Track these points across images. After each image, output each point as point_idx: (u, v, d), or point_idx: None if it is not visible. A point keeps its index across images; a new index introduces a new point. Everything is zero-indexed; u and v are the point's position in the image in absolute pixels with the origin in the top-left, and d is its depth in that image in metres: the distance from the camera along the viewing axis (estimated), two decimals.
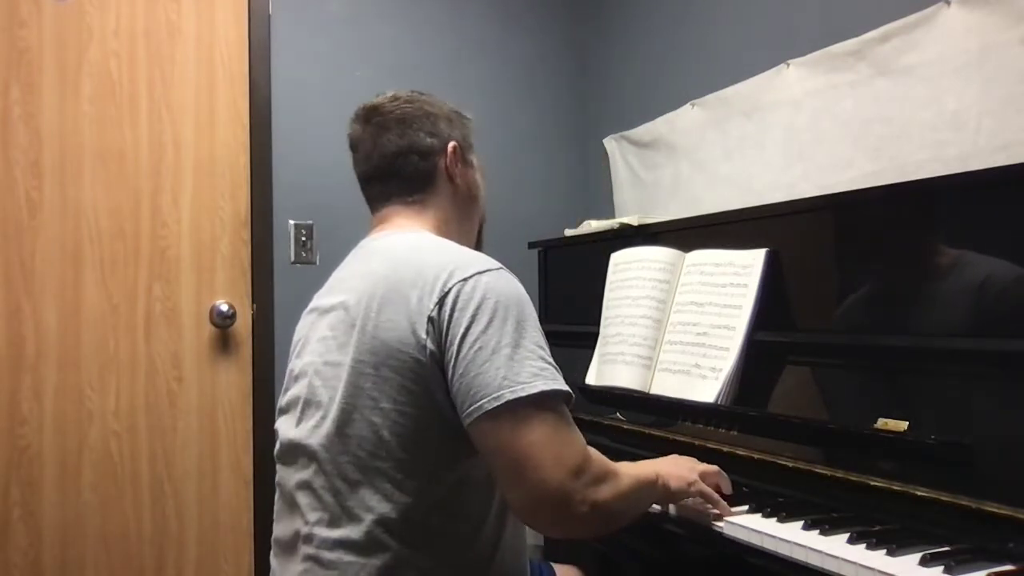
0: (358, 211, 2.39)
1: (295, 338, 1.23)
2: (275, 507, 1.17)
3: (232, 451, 2.27)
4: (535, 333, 1.03)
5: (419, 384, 1.01)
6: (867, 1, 1.71)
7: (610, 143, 2.59)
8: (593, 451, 1.02)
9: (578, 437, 1.01)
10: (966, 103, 1.48)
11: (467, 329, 0.99)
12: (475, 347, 0.99)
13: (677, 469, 1.17)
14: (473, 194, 1.29)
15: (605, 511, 0.99)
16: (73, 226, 2.12)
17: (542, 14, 2.74)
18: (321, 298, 1.20)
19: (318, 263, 2.37)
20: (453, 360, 0.99)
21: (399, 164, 1.21)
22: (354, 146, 1.25)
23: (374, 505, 1.02)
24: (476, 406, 0.97)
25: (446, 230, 1.21)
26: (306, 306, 1.24)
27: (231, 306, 2.25)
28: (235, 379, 2.28)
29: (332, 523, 1.04)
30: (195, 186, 2.24)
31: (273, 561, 1.15)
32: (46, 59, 2.09)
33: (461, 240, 1.21)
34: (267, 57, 2.32)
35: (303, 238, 2.36)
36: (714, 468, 1.21)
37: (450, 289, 1.02)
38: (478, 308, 1.00)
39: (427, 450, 1.03)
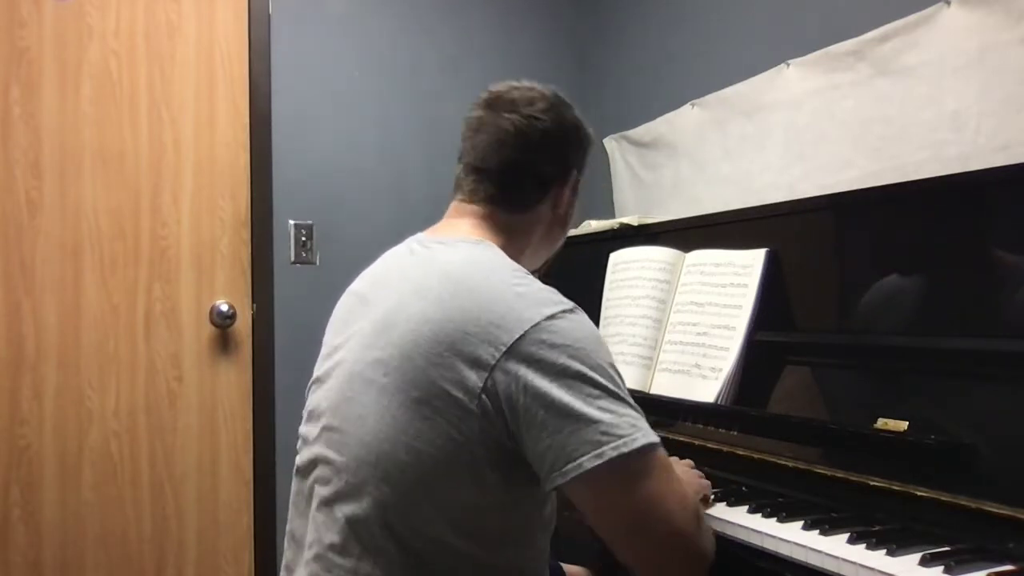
0: (358, 211, 2.43)
1: (333, 317, 1.16)
2: (291, 498, 1.13)
3: (232, 451, 2.27)
4: (620, 378, 0.95)
5: (462, 433, 0.93)
6: (867, 1, 1.71)
7: (610, 143, 2.59)
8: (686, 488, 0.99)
9: (681, 482, 0.97)
10: (966, 103, 1.48)
11: (551, 385, 0.90)
12: (565, 399, 0.90)
13: (689, 478, 1.16)
14: (565, 223, 1.22)
15: (714, 546, 0.99)
16: (73, 226, 2.12)
17: (542, 14, 2.74)
18: (367, 287, 1.13)
19: (318, 263, 2.37)
20: (538, 418, 0.90)
21: (513, 178, 1.12)
22: (475, 128, 1.16)
23: (392, 545, 0.96)
24: (574, 463, 0.89)
25: (515, 249, 1.12)
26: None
27: (231, 306, 2.25)
28: (235, 379, 2.28)
29: (347, 552, 0.98)
30: (195, 186, 2.24)
31: (287, 553, 1.12)
32: (46, 59, 2.09)
33: (528, 261, 1.14)
34: (267, 57, 2.32)
35: (303, 238, 2.36)
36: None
37: (521, 337, 0.92)
38: (563, 360, 0.91)
39: (459, 504, 0.96)
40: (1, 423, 2.03)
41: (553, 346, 0.92)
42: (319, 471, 1.06)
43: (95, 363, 2.13)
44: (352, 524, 0.98)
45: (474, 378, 0.92)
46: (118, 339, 2.15)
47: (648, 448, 0.91)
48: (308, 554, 1.04)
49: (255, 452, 2.28)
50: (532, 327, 0.93)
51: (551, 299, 0.97)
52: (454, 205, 1.18)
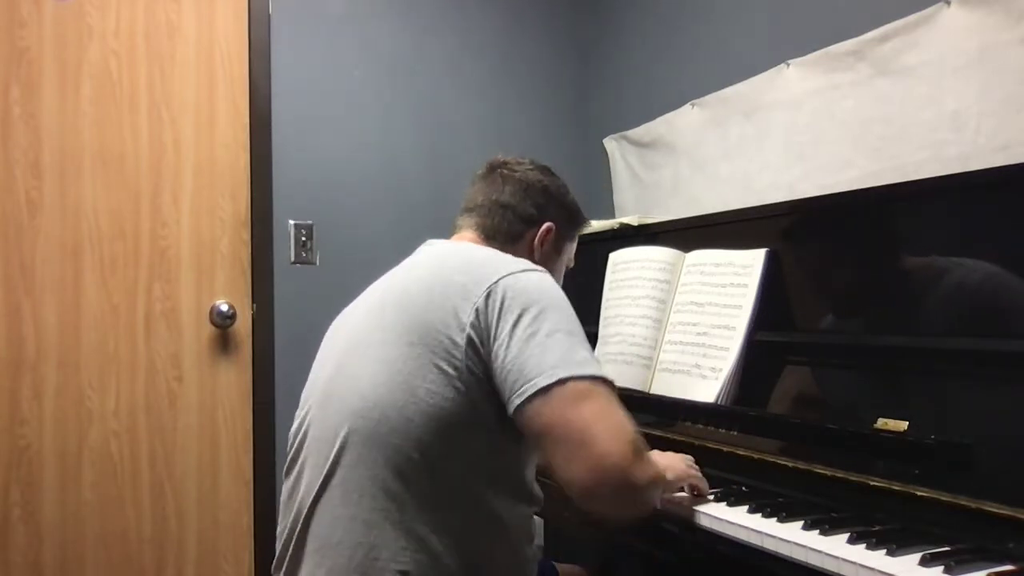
0: (358, 211, 2.43)
1: (327, 335, 1.25)
2: (282, 499, 1.17)
3: (232, 451, 2.27)
4: (582, 329, 1.06)
5: (454, 369, 1.02)
6: (867, 1, 1.71)
7: (610, 143, 2.59)
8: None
9: (625, 415, 1.02)
10: (966, 103, 1.48)
11: (519, 316, 1.02)
12: (529, 331, 1.01)
13: (672, 461, 1.22)
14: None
15: (653, 488, 1.02)
16: (73, 226, 2.12)
17: (542, 14, 2.74)
18: (362, 296, 1.24)
19: (318, 263, 2.37)
20: (505, 345, 1.01)
21: (496, 212, 1.28)
22: (472, 183, 1.34)
23: (391, 486, 1.01)
24: (530, 383, 0.98)
25: None
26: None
27: (231, 306, 2.25)
28: (235, 379, 2.28)
29: (344, 499, 1.03)
30: (195, 186, 2.24)
31: (278, 554, 1.15)
32: (46, 59, 2.09)
33: None
34: (267, 57, 2.32)
35: (303, 238, 2.36)
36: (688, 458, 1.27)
37: (500, 280, 1.05)
38: (531, 298, 1.04)
39: (453, 436, 1.02)
40: (1, 423, 2.03)
41: (526, 288, 1.05)
42: (308, 452, 1.11)
43: (95, 363, 2.13)
44: (352, 469, 1.04)
45: (462, 314, 1.03)
46: (118, 339, 2.15)
47: (596, 378, 1.00)
48: (309, 519, 1.07)
49: (255, 452, 2.28)
50: (510, 274, 1.07)
51: (529, 263, 1.12)
52: (452, 238, 1.31)
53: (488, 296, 1.04)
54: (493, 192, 1.30)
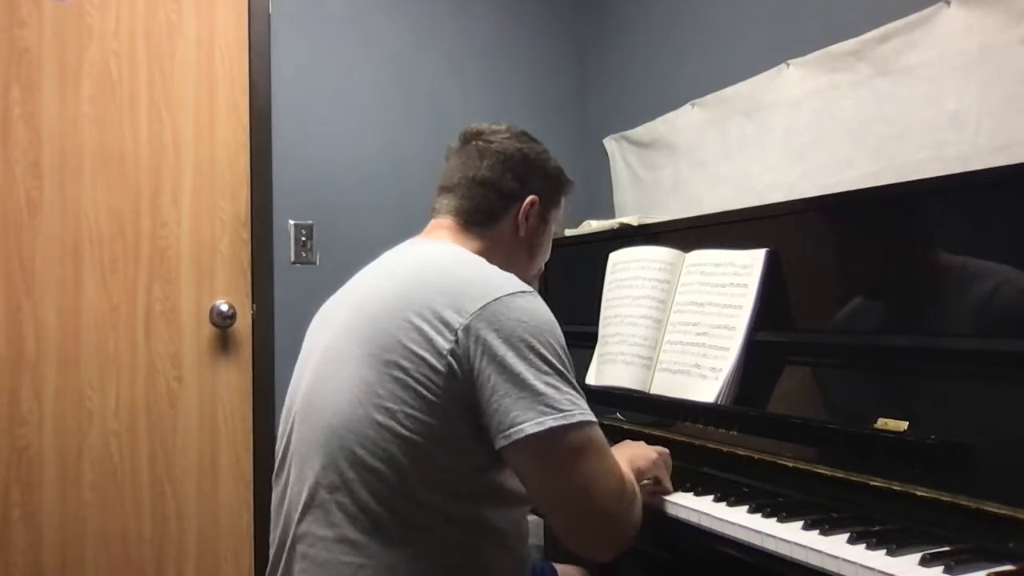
0: (358, 211, 2.43)
1: (308, 333, 1.23)
2: (272, 507, 1.16)
3: (232, 451, 2.27)
4: (569, 361, 1.04)
5: (433, 395, 0.99)
6: (867, 1, 1.71)
7: (610, 143, 2.59)
8: (621, 468, 1.05)
9: (616, 462, 1.04)
10: (966, 103, 1.48)
11: (503, 351, 0.98)
12: (514, 369, 0.97)
13: (640, 459, 1.21)
14: (533, 252, 1.28)
15: (639, 524, 1.05)
16: (73, 226, 2.12)
17: (543, 14, 2.74)
18: (341, 293, 1.21)
19: (318, 263, 2.37)
20: (489, 381, 0.97)
21: (476, 192, 1.22)
22: (447, 158, 1.28)
23: (373, 507, 1.00)
24: (516, 428, 0.96)
25: (487, 260, 1.17)
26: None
27: (231, 306, 2.25)
28: (235, 379, 2.28)
29: (327, 521, 1.02)
30: (195, 186, 2.24)
31: (271, 562, 1.15)
32: (46, 59, 2.09)
33: None
34: (267, 57, 2.32)
35: (303, 238, 2.36)
36: (663, 451, 1.27)
37: (485, 306, 1.00)
38: (515, 331, 0.99)
39: (432, 459, 1.00)
40: (1, 423, 2.03)
41: (512, 319, 1.00)
42: (292, 463, 1.10)
43: (95, 363, 2.13)
44: (333, 491, 1.02)
45: (441, 340, 0.99)
46: (118, 339, 2.15)
47: (585, 424, 0.99)
48: (295, 538, 1.06)
49: (255, 452, 2.28)
50: (495, 300, 1.01)
51: (514, 282, 1.06)
52: (430, 223, 1.26)
53: (468, 328, 0.99)
54: (470, 168, 1.22)
